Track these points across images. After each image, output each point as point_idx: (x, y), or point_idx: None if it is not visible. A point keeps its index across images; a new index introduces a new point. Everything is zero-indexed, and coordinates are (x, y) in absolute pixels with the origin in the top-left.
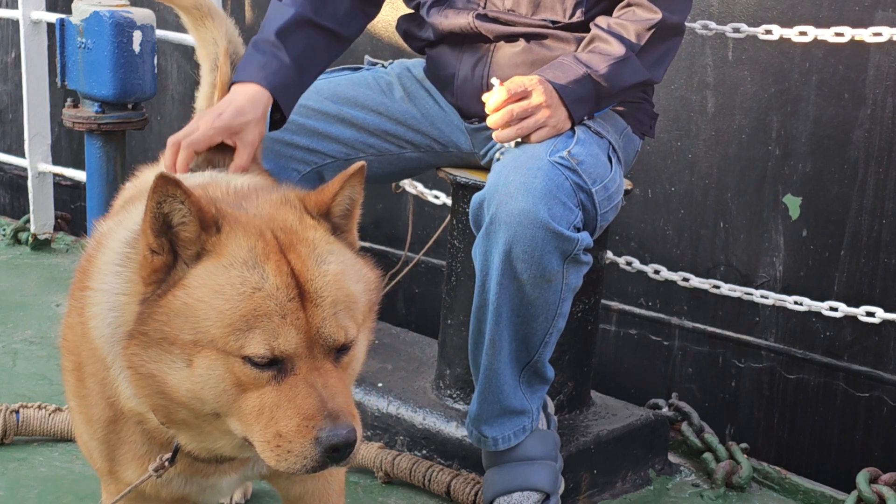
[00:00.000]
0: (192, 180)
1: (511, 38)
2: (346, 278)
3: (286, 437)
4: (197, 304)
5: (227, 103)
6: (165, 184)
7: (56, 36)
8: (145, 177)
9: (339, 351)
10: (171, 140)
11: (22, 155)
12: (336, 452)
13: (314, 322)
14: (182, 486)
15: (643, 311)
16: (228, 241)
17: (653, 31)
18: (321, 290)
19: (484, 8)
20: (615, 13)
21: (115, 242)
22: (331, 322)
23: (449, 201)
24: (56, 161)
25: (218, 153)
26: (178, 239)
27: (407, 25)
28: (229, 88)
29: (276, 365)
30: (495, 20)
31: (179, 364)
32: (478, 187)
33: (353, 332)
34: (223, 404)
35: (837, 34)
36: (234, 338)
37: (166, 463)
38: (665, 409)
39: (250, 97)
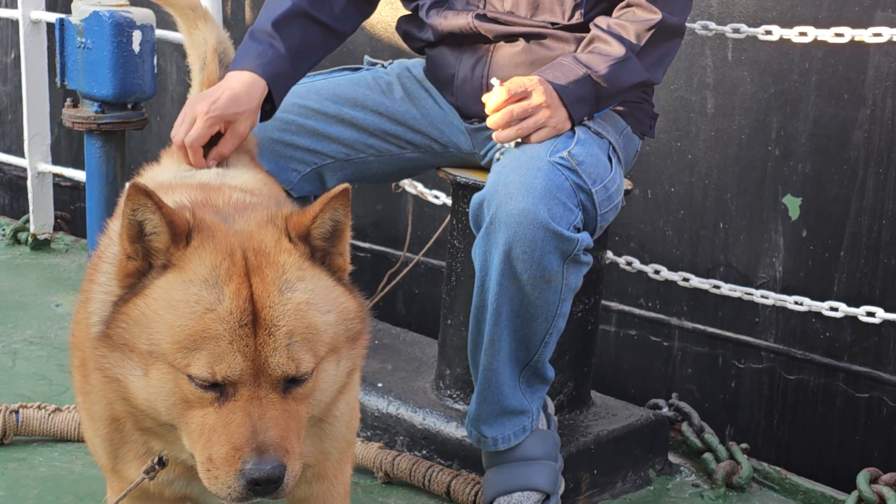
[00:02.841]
0: (198, 178)
1: (511, 38)
2: (311, 308)
3: (215, 463)
4: (153, 316)
5: (223, 90)
6: (138, 193)
7: (56, 36)
8: (150, 175)
9: (291, 382)
10: (176, 142)
11: (22, 155)
12: (259, 486)
13: (264, 351)
14: (184, 487)
15: (643, 312)
16: (194, 257)
17: (652, 31)
18: (277, 319)
19: (483, 9)
20: (615, 13)
21: None
22: (281, 353)
23: (449, 201)
24: (56, 161)
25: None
26: (150, 247)
27: (406, 26)
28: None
29: (219, 388)
30: (494, 21)
31: (138, 372)
32: (478, 187)
33: (307, 365)
34: (174, 417)
35: (837, 35)
36: (182, 355)
37: (156, 465)
38: (665, 410)
39: (246, 86)
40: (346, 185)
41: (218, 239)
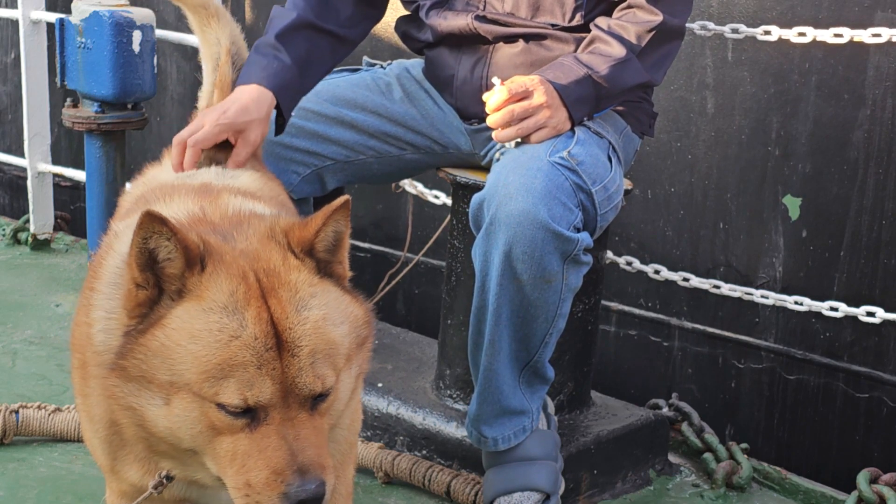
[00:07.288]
0: (197, 179)
1: (510, 38)
2: (328, 323)
3: (255, 488)
4: (174, 347)
5: (232, 101)
6: (152, 221)
7: (56, 36)
8: (152, 175)
9: (317, 399)
10: (176, 139)
11: (22, 155)
12: None
13: (290, 372)
14: (183, 490)
15: (643, 312)
16: (210, 283)
17: (653, 33)
18: (299, 340)
19: (483, 10)
20: (615, 14)
21: (123, 245)
22: (307, 372)
23: (449, 201)
24: (56, 161)
25: (221, 151)
26: (163, 274)
27: (405, 27)
28: (232, 89)
29: (250, 413)
30: (494, 22)
31: (158, 401)
32: (478, 187)
33: (330, 380)
34: (199, 444)
35: (836, 35)
36: (209, 384)
37: (164, 480)
38: (665, 410)
39: (254, 97)
40: (346, 196)
41: (228, 262)
